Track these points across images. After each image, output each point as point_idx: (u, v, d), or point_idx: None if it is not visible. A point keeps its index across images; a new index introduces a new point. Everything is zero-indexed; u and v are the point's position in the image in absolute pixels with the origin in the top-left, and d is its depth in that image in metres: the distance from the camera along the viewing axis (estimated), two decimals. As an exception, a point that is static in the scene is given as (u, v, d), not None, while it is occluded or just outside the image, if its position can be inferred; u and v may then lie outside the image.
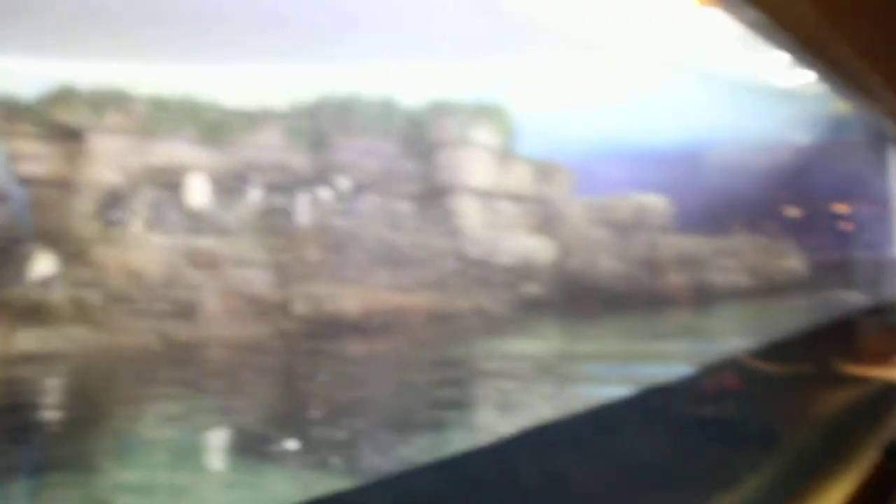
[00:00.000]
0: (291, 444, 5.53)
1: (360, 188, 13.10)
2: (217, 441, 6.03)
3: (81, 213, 11.48)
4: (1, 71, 11.82)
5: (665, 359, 9.17)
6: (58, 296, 10.39)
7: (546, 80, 14.73)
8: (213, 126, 12.52)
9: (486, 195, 13.90)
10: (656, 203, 15.89)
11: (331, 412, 6.94)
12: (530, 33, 13.76)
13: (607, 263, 14.74)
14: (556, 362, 9.63)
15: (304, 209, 12.66)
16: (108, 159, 11.77)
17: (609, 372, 8.37)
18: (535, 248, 14.08)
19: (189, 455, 5.51)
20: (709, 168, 16.55)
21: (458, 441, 5.58)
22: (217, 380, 9.18)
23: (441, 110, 13.62)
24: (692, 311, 14.75)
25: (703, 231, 16.14)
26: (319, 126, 13.25)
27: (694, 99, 15.30)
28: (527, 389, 7.63)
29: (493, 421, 6.20)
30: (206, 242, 11.81)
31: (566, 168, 15.11)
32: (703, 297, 15.03)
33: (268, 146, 12.87)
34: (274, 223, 12.57)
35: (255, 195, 12.66)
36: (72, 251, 10.95)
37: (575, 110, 14.41)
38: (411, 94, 13.56)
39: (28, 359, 9.44)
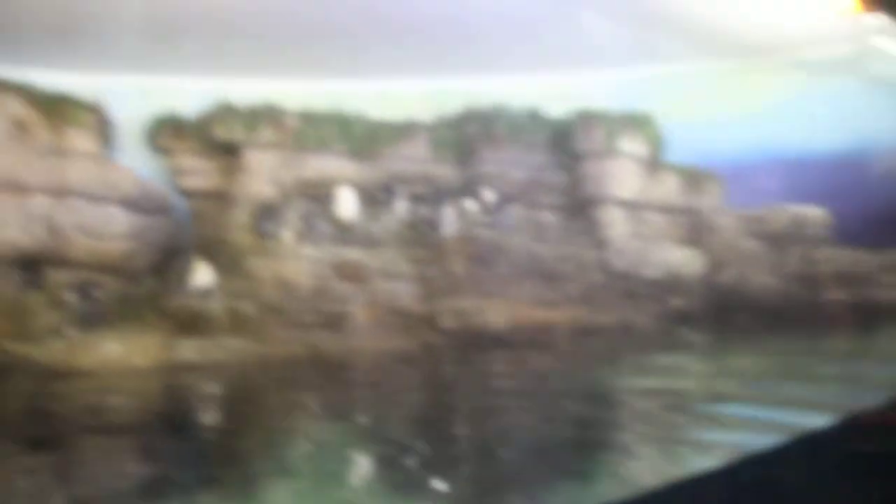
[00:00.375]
0: (440, 468, 5.35)
1: (505, 199, 12.96)
2: (363, 455, 6.01)
3: (237, 225, 11.87)
4: (168, 90, 12.47)
5: (826, 382, 8.49)
6: (215, 306, 10.74)
7: (698, 87, 14.19)
8: (361, 139, 12.71)
9: (634, 206, 13.46)
10: (814, 214, 14.94)
11: (477, 432, 6.77)
12: (682, 40, 13.29)
13: (760, 278, 13.97)
14: (709, 383, 9.13)
15: (449, 221, 12.64)
16: (263, 173, 12.14)
17: (768, 394, 7.81)
18: (684, 260, 13.52)
19: (337, 467, 5.49)
20: (873, 176, 15.49)
21: (612, 477, 5.24)
22: (365, 391, 9.22)
23: (588, 120, 13.29)
24: (854, 330, 13.76)
25: (865, 245, 15.08)
26: (465, 137, 13.23)
27: (857, 103, 14.38)
28: (680, 411, 7.22)
29: (647, 452, 5.82)
30: (354, 254, 11.96)
31: (717, 177, 14.43)
32: (866, 317, 13.99)
33: (414, 158, 12.96)
34: (420, 235, 12.61)
35: (401, 207, 12.76)
36: (228, 262, 11.32)
37: (728, 117, 13.81)
38: (558, 105, 13.32)
39: (188, 368, 9.78)
